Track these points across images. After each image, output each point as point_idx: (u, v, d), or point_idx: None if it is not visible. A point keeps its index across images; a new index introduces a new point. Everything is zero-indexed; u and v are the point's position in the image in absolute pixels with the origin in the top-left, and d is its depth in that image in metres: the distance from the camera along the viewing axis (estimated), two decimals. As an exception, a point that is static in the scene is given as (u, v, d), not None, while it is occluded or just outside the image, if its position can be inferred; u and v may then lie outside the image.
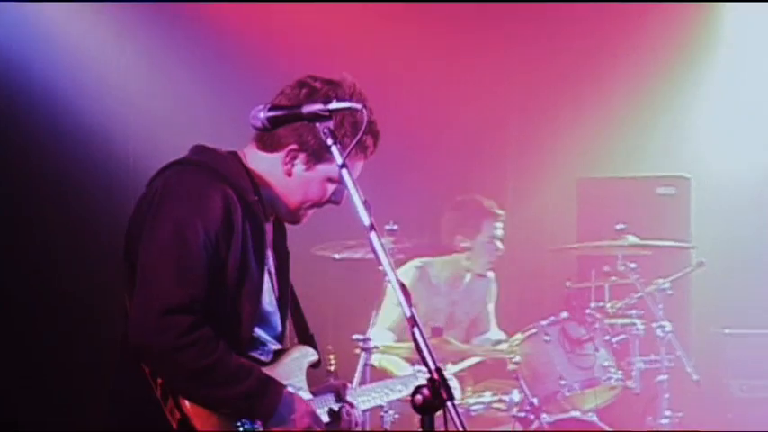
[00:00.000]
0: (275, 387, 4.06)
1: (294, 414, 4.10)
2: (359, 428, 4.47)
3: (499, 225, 7.83)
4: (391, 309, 7.22)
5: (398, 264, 7.37)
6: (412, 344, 3.28)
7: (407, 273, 7.61)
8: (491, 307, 8.13)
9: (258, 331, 4.18)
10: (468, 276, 7.97)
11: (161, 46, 7.75)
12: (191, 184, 4.04)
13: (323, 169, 4.18)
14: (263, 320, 4.21)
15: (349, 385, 4.54)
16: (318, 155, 4.16)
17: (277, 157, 4.20)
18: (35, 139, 7.22)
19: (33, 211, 7.23)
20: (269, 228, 4.26)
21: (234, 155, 4.24)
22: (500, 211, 7.87)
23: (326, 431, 4.28)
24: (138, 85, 7.70)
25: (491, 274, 8.09)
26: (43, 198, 7.26)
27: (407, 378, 5.34)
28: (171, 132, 7.12)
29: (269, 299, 4.23)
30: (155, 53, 7.74)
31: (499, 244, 7.81)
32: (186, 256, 3.89)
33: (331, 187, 4.24)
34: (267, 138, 4.19)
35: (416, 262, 7.72)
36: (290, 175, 4.21)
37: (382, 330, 7.34)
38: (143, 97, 7.69)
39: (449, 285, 7.90)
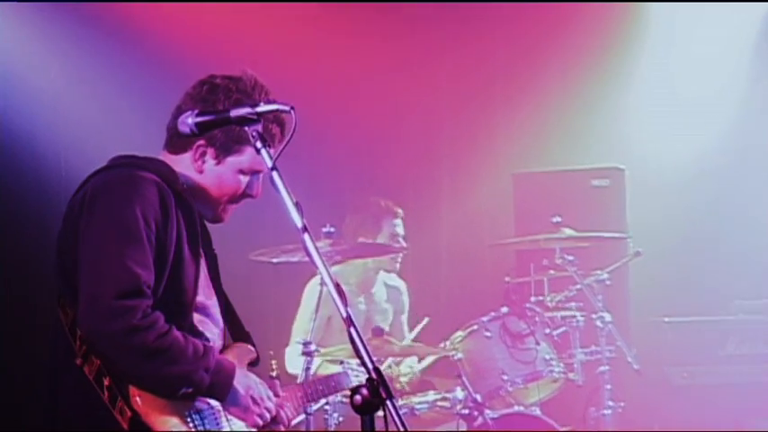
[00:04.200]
0: (229, 363, 4.10)
1: (249, 391, 4.14)
2: (290, 424, 4.48)
3: (399, 222, 7.89)
4: (306, 317, 7.22)
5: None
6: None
7: (315, 288, 7.38)
8: (404, 318, 8.15)
9: (203, 325, 4.18)
10: (379, 281, 8.03)
11: (91, 52, 7.68)
12: (122, 179, 4.04)
13: (233, 161, 4.22)
14: (205, 313, 4.22)
15: (278, 383, 4.54)
16: (226, 147, 4.20)
17: (187, 156, 4.23)
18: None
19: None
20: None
21: (153, 157, 4.25)
22: (399, 210, 7.91)
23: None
24: (67, 93, 7.64)
25: (402, 286, 8.14)
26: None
27: (339, 375, 5.38)
28: (101, 139, 7.06)
29: (207, 292, 4.25)
30: (84, 60, 7.67)
31: (402, 241, 7.85)
32: (130, 241, 3.88)
33: (244, 179, 4.26)
34: (176, 141, 4.23)
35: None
36: (201, 171, 4.24)
37: (295, 345, 7.32)
38: (73, 105, 7.63)
39: (359, 289, 7.92)
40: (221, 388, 4.04)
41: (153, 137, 4.38)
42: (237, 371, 4.11)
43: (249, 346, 4.43)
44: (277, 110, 3.68)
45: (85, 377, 3.95)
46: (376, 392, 3.17)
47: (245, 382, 4.15)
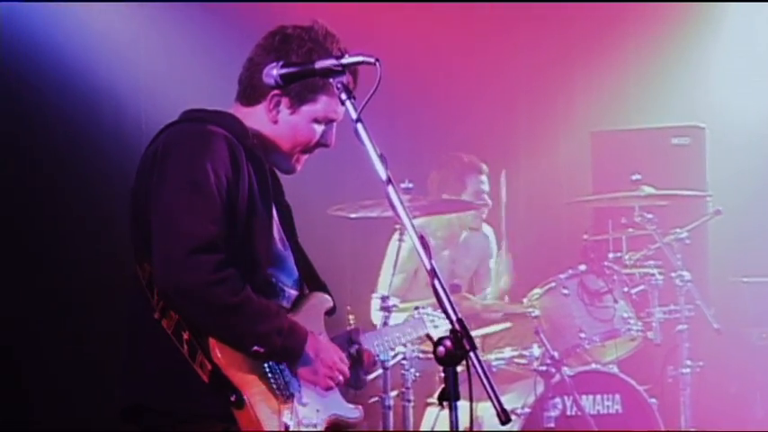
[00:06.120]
0: (302, 329, 4.09)
1: (320, 354, 4.14)
2: (376, 368, 4.49)
3: (484, 179, 7.86)
4: (387, 275, 7.21)
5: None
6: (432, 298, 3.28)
7: (395, 242, 7.12)
8: (492, 263, 8.13)
9: (277, 276, 4.19)
10: (465, 233, 8.00)
11: (170, 5, 7.70)
12: (191, 134, 4.05)
13: (307, 110, 4.20)
14: (280, 264, 4.21)
15: (360, 329, 4.57)
16: (301, 96, 4.18)
17: (261, 108, 4.22)
18: (45, 105, 7.22)
19: (44, 177, 7.23)
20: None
21: (223, 111, 4.26)
22: (483, 165, 7.89)
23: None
24: (146, 48, 7.70)
25: (489, 231, 8.11)
26: (56, 165, 7.26)
27: (415, 321, 5.37)
28: (182, 93, 7.09)
29: (282, 243, 4.25)
30: (164, 14, 7.70)
31: (486, 198, 7.82)
32: (201, 196, 3.88)
33: (318, 128, 4.25)
34: (249, 92, 4.23)
35: None
36: (275, 122, 4.22)
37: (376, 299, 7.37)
38: (153, 59, 7.68)
39: (446, 243, 7.93)
40: (292, 351, 4.04)
41: (232, 88, 4.39)
42: (309, 336, 4.10)
43: (326, 296, 4.42)
44: (362, 62, 3.64)
45: (164, 331, 3.97)
46: (459, 344, 3.17)
47: (315, 346, 4.13)
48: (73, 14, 7.33)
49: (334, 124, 4.29)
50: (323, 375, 4.15)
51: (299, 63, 3.88)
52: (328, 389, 4.19)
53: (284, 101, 4.19)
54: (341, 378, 4.22)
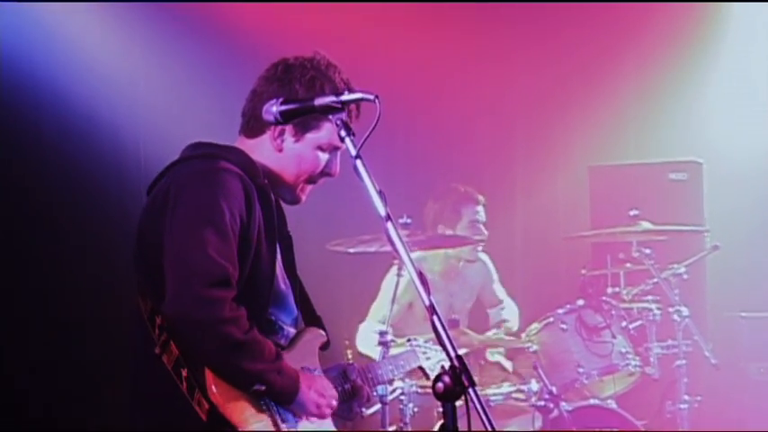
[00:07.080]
0: (294, 371, 4.10)
1: (314, 394, 4.15)
2: (372, 403, 4.49)
3: (480, 209, 7.84)
4: (384, 303, 7.21)
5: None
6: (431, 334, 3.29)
7: (393, 278, 7.12)
8: (496, 285, 8.13)
9: (277, 315, 4.21)
10: (461, 264, 7.99)
11: (168, 42, 7.74)
12: (205, 171, 4.06)
13: (311, 137, 4.24)
14: (280, 303, 4.23)
15: (355, 365, 4.58)
16: (305, 124, 4.21)
17: (265, 137, 4.25)
18: (44, 139, 7.24)
19: (44, 211, 7.24)
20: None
21: (234, 147, 4.27)
22: (480, 196, 7.87)
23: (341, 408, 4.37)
24: (146, 82, 7.73)
25: (484, 256, 8.10)
26: (54, 198, 7.27)
27: (407, 354, 5.38)
28: (180, 128, 7.11)
29: (284, 281, 4.27)
30: (162, 50, 7.74)
31: (482, 228, 7.82)
32: (217, 234, 3.88)
33: (323, 156, 4.28)
34: (253, 123, 4.25)
35: None
36: (280, 150, 4.25)
37: (372, 324, 7.37)
38: (151, 94, 7.70)
39: (443, 278, 7.91)
40: (288, 393, 4.06)
41: (230, 123, 4.41)
42: (302, 376, 4.12)
43: (320, 331, 4.45)
44: (362, 99, 3.65)
45: (164, 367, 3.98)
46: (458, 380, 3.17)
47: (308, 382, 4.15)
48: (72, 50, 7.36)
49: (338, 153, 4.30)
50: (316, 407, 4.16)
51: (299, 99, 3.88)
52: (322, 418, 4.20)
53: (288, 129, 4.22)
54: (332, 408, 4.23)
